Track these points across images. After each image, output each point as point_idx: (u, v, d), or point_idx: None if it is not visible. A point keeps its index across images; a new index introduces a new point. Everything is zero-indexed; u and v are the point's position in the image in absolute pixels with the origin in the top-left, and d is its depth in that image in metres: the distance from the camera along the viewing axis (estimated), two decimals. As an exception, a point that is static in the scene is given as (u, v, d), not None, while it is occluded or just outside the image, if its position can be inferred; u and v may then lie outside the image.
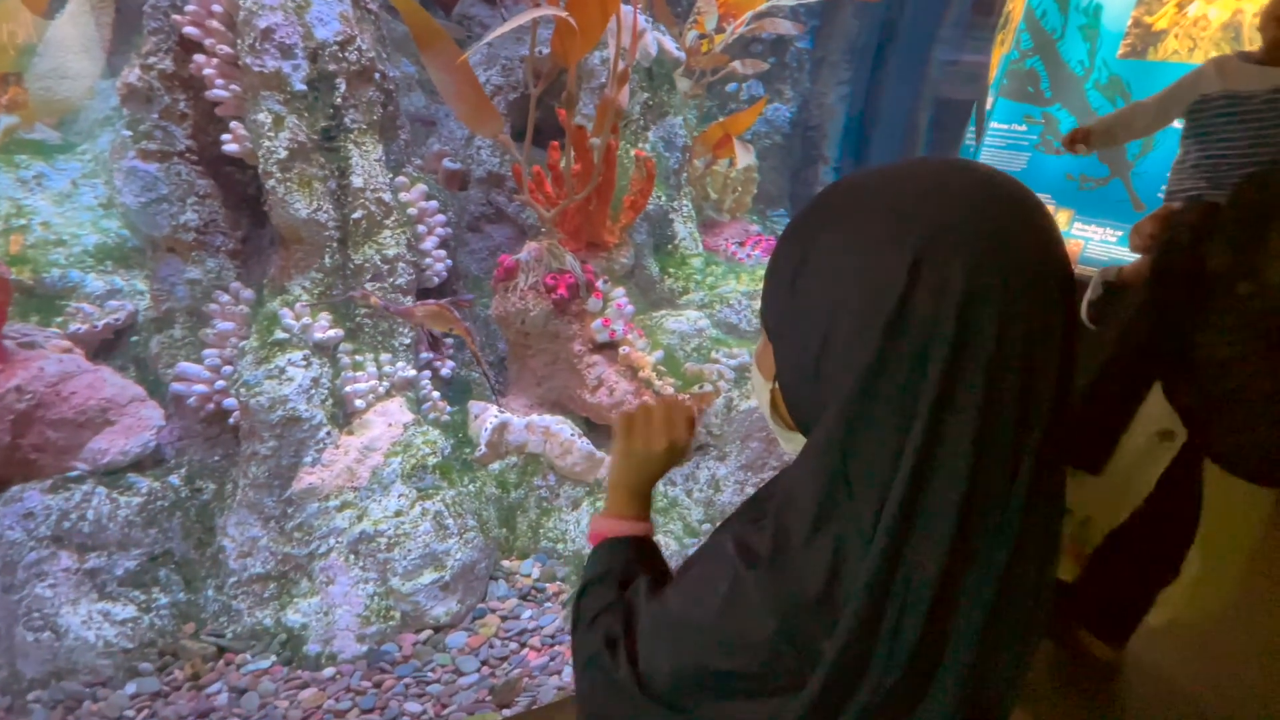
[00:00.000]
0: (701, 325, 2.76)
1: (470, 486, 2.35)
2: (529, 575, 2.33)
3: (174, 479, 2.27)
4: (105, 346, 2.61)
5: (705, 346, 2.71)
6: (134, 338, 2.62)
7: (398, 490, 2.20)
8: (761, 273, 3.63)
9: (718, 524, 0.77)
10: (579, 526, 2.39)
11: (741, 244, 4.05)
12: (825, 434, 0.54)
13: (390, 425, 2.29)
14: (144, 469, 2.26)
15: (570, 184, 2.49)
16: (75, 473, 2.17)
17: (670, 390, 2.54)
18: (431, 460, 2.29)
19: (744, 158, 3.74)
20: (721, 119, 3.87)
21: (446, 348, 2.85)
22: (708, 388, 2.57)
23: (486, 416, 2.52)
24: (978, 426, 0.49)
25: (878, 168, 0.56)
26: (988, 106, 3.59)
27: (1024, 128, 3.38)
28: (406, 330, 2.57)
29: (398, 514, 2.17)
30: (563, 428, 2.51)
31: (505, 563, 2.38)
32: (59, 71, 2.77)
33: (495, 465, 2.51)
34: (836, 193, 0.58)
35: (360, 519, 2.17)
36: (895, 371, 0.50)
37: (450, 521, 2.20)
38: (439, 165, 3.22)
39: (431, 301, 2.33)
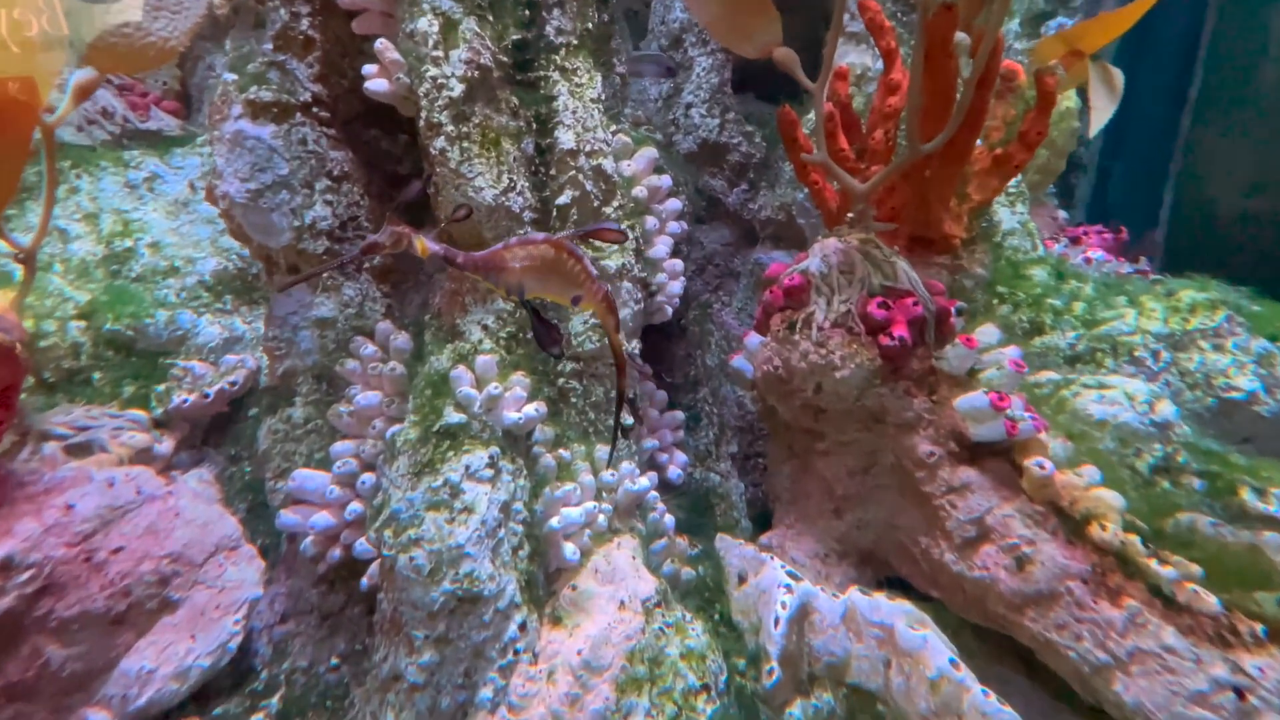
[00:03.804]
0: (1164, 415, 1.44)
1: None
2: None
3: (254, 729, 1.35)
4: (217, 423, 1.89)
5: (1185, 467, 1.39)
6: (253, 410, 1.87)
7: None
8: (1185, 298, 1.81)
9: None
10: None
11: (1074, 240, 2.70)
12: None
13: (622, 607, 1.28)
14: (210, 702, 1.35)
15: (912, 129, 1.34)
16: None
17: (1212, 607, 1.13)
18: (704, 707, 1.21)
19: (1103, 98, 2.32)
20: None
21: (655, 410, 1.82)
22: None
23: (771, 586, 1.34)
24: None
25: None
26: None
27: None
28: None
29: None
30: (923, 640, 1.24)
31: None
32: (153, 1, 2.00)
33: (797, 709, 1.29)
34: None
35: None
36: None
37: None
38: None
39: (539, 235, 1.12)
